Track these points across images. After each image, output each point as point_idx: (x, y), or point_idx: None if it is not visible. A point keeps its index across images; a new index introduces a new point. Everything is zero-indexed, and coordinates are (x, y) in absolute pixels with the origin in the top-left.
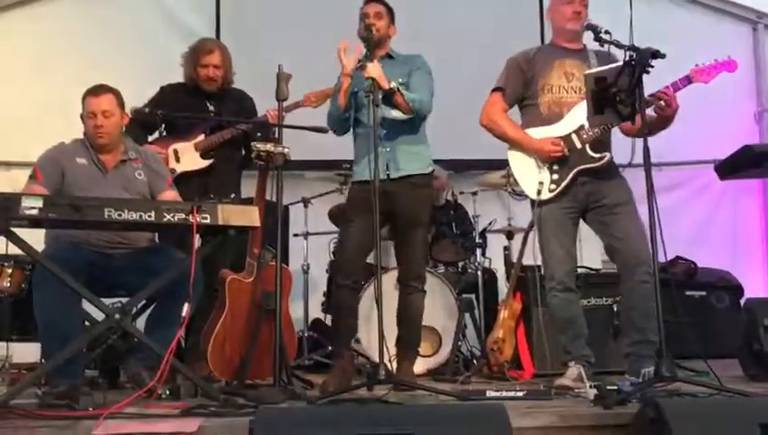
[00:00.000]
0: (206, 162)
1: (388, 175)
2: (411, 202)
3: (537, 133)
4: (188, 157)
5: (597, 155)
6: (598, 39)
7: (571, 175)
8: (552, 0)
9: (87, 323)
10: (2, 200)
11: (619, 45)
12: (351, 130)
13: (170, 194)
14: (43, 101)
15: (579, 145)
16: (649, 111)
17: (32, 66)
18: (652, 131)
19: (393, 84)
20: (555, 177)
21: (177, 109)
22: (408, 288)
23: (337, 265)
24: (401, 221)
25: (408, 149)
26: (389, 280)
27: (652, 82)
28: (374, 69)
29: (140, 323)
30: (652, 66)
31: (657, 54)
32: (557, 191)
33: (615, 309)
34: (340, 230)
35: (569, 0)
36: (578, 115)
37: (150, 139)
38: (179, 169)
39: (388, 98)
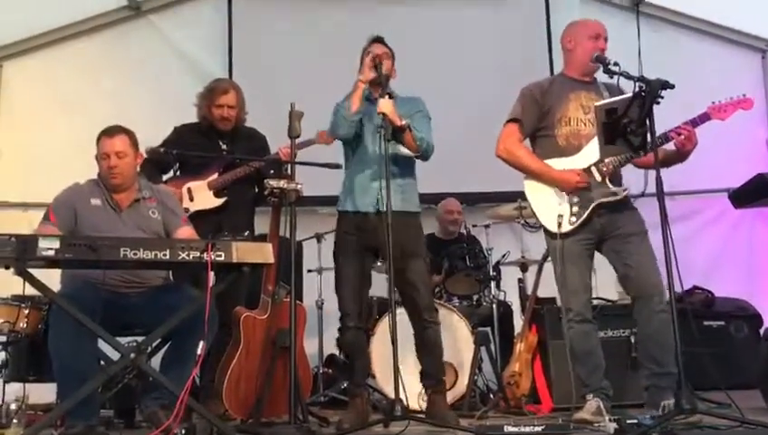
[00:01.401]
0: (220, 200)
1: (377, 209)
2: (403, 233)
3: (556, 165)
4: (202, 195)
5: (617, 188)
6: (607, 71)
7: (591, 208)
8: (573, 32)
9: (102, 362)
10: (19, 242)
11: (628, 77)
12: (344, 160)
13: (186, 230)
14: (61, 143)
15: (599, 178)
16: (669, 145)
17: (49, 108)
18: (668, 164)
19: (405, 122)
20: (575, 209)
21: (190, 148)
22: (421, 322)
23: (340, 308)
24: (396, 253)
25: (400, 189)
26: (401, 313)
27: (664, 112)
28: (386, 105)
29: (155, 361)
30: (662, 97)
31: (666, 85)
32: (577, 224)
33: (632, 341)
34: (335, 269)
35: (594, 36)
36: (596, 147)
37: (165, 178)
38: (193, 207)
39: (397, 135)
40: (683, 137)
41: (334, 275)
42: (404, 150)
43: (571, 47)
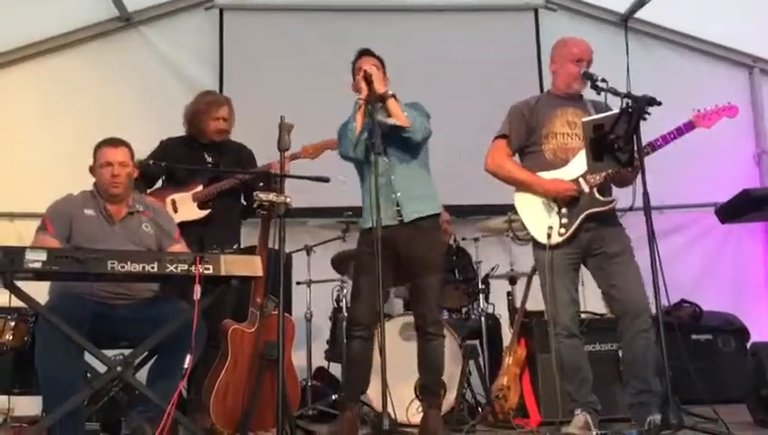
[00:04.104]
0: (204, 212)
1: (400, 220)
2: (422, 247)
3: (544, 177)
4: (186, 207)
5: (605, 199)
6: (594, 87)
7: (580, 218)
8: (557, 53)
9: (89, 375)
10: (6, 254)
11: (615, 93)
12: (359, 179)
13: (178, 248)
14: (49, 153)
15: (586, 189)
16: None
17: (37, 118)
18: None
19: (389, 91)
20: (564, 220)
21: (176, 161)
22: (426, 335)
23: (350, 317)
24: (412, 266)
25: (417, 193)
26: (393, 328)
27: (650, 128)
28: (374, 71)
29: (142, 373)
30: (649, 113)
31: (653, 102)
32: (567, 235)
33: (620, 354)
34: (352, 281)
35: (577, 60)
36: (583, 160)
37: (150, 190)
38: (177, 218)
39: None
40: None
41: (352, 286)
42: (393, 121)
43: (554, 69)
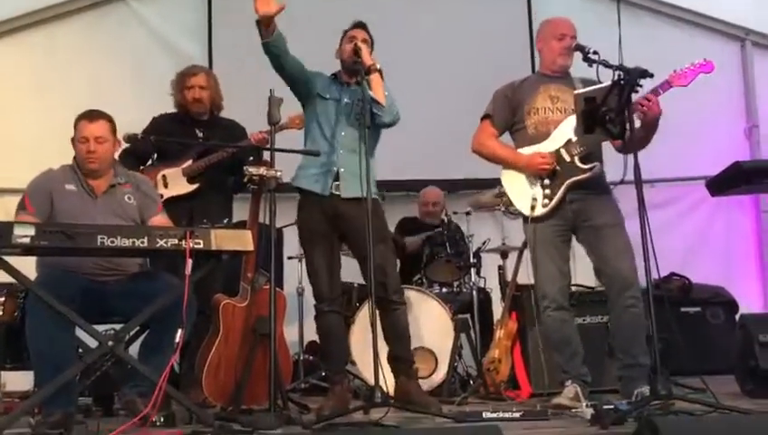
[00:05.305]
0: (193, 186)
1: (332, 193)
2: (362, 219)
3: (527, 152)
4: (176, 182)
5: (586, 166)
6: (586, 59)
7: (563, 188)
8: (542, 31)
9: (80, 350)
10: None
11: (607, 65)
12: (306, 135)
13: (160, 219)
14: (37, 128)
15: (568, 159)
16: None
17: (26, 92)
18: (642, 142)
19: (377, 65)
20: (547, 191)
21: (167, 137)
22: (390, 304)
23: (315, 294)
24: (359, 238)
25: (359, 173)
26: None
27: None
28: (362, 46)
29: (134, 348)
30: (641, 86)
31: (645, 74)
32: (551, 206)
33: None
34: (305, 255)
35: (559, 36)
36: (564, 130)
37: (142, 168)
38: (167, 194)
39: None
40: (644, 108)
41: (306, 261)
42: (372, 94)
43: (540, 47)
